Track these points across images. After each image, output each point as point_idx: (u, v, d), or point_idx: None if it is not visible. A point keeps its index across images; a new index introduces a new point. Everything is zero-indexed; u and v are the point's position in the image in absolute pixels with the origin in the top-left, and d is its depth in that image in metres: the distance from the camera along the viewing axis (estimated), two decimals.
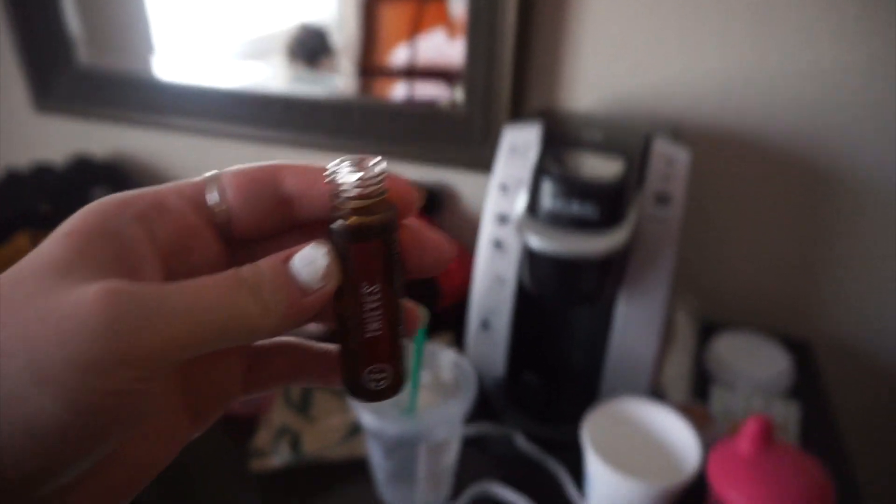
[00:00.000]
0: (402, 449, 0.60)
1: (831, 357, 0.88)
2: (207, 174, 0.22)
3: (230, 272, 0.20)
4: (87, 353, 0.17)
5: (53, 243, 0.19)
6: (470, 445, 0.70)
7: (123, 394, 0.17)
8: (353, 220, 0.20)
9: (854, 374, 0.89)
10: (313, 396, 0.74)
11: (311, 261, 0.20)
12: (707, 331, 0.86)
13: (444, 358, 0.63)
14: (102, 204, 0.20)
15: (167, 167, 1.08)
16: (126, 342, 0.17)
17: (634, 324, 0.67)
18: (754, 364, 0.80)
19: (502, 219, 0.69)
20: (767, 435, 0.51)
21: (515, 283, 0.69)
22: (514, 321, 0.71)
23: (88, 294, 0.17)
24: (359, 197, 0.20)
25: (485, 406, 0.73)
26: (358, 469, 0.66)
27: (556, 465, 0.68)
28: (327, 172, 0.21)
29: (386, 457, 0.61)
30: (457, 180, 0.94)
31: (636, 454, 0.62)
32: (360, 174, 0.20)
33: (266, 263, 0.20)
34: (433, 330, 0.82)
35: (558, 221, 0.59)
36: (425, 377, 0.62)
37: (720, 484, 0.50)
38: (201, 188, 0.21)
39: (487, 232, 0.70)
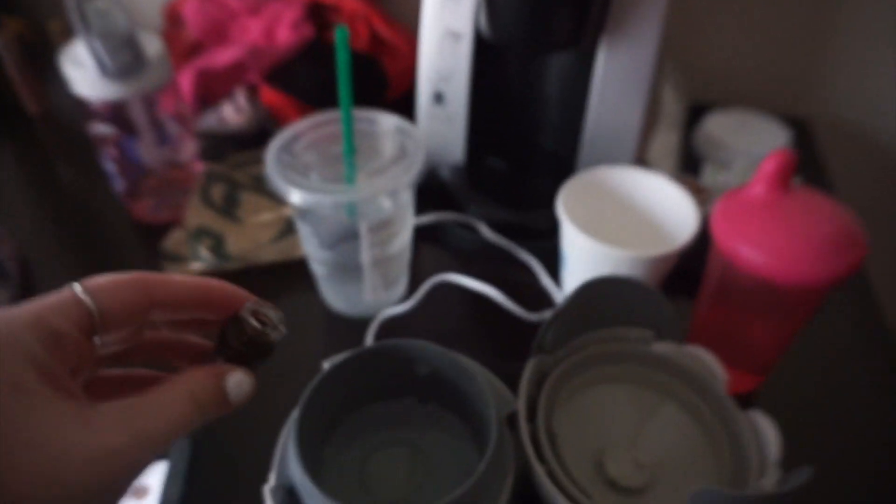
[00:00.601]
0: (343, 238, 0.49)
1: (830, 134, 0.78)
2: (76, 286, 0.25)
3: (184, 391, 0.25)
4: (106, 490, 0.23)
5: (10, 387, 0.21)
6: (427, 240, 0.60)
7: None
8: (253, 350, 0.28)
9: (853, 150, 0.80)
10: (240, 196, 0.62)
11: (241, 386, 0.27)
12: (696, 112, 0.75)
13: (384, 124, 0.51)
14: (9, 341, 0.22)
15: None
16: (128, 477, 0.24)
17: (617, 84, 0.55)
18: (750, 141, 0.70)
19: None
20: (788, 175, 0.41)
21: (472, 38, 0.56)
22: (473, 90, 0.58)
23: (108, 448, 0.22)
24: (262, 338, 0.28)
25: (444, 198, 0.62)
26: (295, 273, 0.57)
27: (526, 256, 0.59)
28: (239, 315, 0.28)
29: (324, 249, 0.51)
30: None
31: (620, 228, 0.53)
32: (263, 324, 0.28)
33: (210, 384, 0.26)
34: None
35: None
36: (364, 153, 0.50)
37: (728, 237, 0.40)
38: (75, 302, 0.24)
39: None
